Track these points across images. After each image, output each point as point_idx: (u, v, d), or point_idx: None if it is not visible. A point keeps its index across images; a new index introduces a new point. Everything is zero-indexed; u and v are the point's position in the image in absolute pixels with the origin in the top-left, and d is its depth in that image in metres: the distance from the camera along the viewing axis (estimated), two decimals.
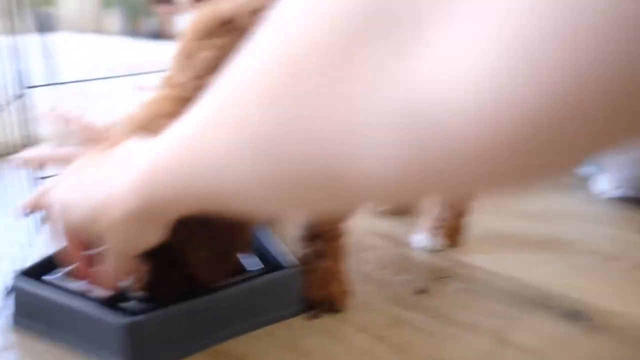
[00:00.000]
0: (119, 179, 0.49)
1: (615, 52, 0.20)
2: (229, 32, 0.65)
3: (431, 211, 0.90)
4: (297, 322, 0.68)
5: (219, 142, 0.36)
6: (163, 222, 0.51)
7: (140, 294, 0.64)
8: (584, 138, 0.23)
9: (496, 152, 0.24)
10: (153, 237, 0.52)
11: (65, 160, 0.58)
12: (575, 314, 0.69)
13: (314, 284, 0.70)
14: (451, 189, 0.28)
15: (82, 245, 0.59)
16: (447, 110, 0.23)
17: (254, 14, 0.66)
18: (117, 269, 0.56)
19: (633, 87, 0.21)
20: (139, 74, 1.21)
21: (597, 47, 0.20)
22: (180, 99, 0.61)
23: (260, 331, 0.66)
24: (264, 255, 0.73)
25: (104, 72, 1.18)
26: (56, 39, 2.13)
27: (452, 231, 0.87)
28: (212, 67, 0.63)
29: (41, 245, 0.81)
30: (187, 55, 0.66)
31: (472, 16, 0.22)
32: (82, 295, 0.64)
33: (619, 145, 0.24)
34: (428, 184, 0.28)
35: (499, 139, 0.23)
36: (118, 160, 0.51)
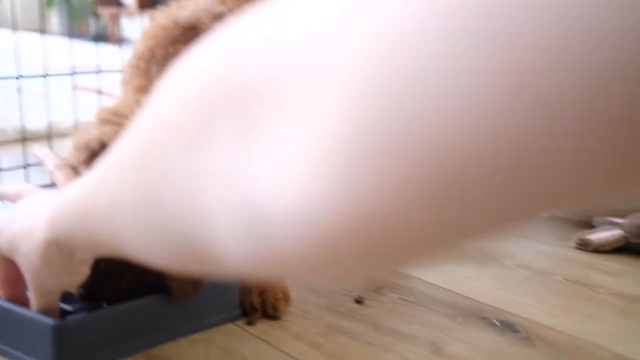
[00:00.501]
0: (35, 214, 0.51)
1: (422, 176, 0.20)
2: (193, 38, 0.64)
3: None
4: (234, 327, 0.67)
5: (108, 193, 0.38)
6: (79, 262, 0.52)
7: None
8: (399, 247, 0.24)
9: (316, 254, 0.25)
10: (73, 276, 0.53)
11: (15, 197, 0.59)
12: (507, 326, 0.70)
13: (251, 290, 0.69)
14: (299, 277, 0.30)
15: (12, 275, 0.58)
16: (275, 209, 0.24)
17: (216, 19, 0.65)
18: (42, 306, 0.56)
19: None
20: (75, 73, 1.18)
21: (402, 170, 0.20)
22: None
23: (195, 336, 0.65)
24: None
25: (42, 71, 1.15)
26: None
27: None
28: None
29: None
30: (148, 60, 0.65)
31: (300, 123, 0.23)
32: None
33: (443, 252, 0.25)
34: (276, 269, 0.30)
35: (316, 242, 0.24)
36: (42, 197, 0.54)
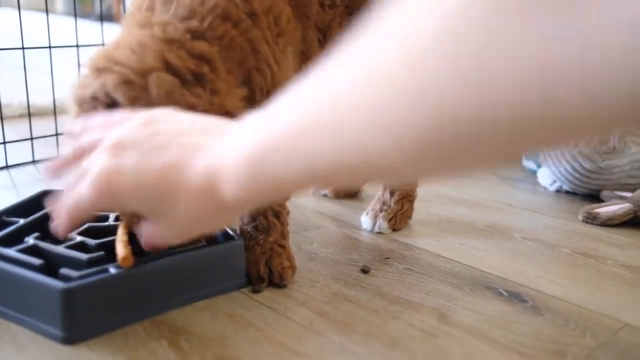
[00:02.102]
0: (217, 149, 0.46)
1: None
2: None
3: (377, 194, 0.90)
4: (239, 295, 0.67)
5: (355, 116, 0.34)
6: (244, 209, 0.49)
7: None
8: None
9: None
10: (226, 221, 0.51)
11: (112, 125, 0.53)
12: (514, 296, 0.70)
13: (257, 258, 0.69)
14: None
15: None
16: None
17: None
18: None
19: None
20: (79, 46, 1.17)
21: None
22: (166, 40, 0.59)
23: (202, 303, 0.65)
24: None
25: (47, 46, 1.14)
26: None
27: (397, 215, 0.88)
28: (194, 12, 0.61)
29: None
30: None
31: None
32: (18, 260, 0.61)
33: None
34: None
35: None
36: (209, 128, 0.48)
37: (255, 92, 0.65)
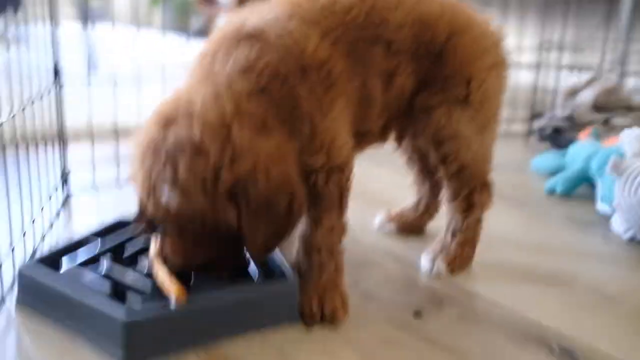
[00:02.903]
0: None
1: None
2: (257, 41, 0.68)
3: (439, 235, 0.91)
4: (292, 330, 0.70)
5: None
6: None
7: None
8: None
9: None
10: None
11: None
12: (566, 353, 0.69)
13: (310, 296, 0.72)
14: None
15: None
16: None
17: (280, 35, 0.69)
18: None
19: None
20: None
21: None
22: (233, 95, 0.65)
23: (254, 334, 0.68)
24: (264, 263, 0.75)
25: (142, 66, 1.23)
26: (100, 30, 2.18)
27: (457, 258, 0.88)
28: (251, 68, 0.66)
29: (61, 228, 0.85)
30: (212, 56, 0.69)
31: None
32: (87, 288, 0.67)
33: None
34: None
35: None
36: None
37: (301, 141, 0.69)
